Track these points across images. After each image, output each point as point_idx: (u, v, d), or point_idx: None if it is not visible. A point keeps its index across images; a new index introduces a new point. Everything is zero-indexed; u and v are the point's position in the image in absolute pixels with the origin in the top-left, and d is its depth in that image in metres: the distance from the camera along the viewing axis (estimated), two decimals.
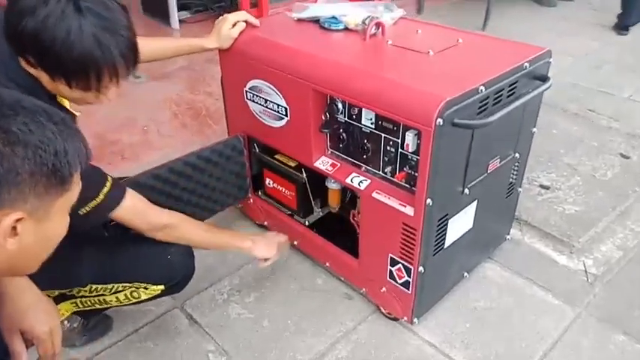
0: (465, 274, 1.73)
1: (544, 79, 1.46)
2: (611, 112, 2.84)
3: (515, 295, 1.74)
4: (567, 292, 1.75)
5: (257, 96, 1.67)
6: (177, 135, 2.63)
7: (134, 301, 1.37)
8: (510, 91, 1.39)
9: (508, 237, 1.91)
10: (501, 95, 1.36)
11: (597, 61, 3.48)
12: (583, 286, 1.78)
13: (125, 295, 1.35)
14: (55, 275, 1.07)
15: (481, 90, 1.27)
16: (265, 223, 1.97)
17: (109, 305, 1.40)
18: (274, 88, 1.58)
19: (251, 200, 1.96)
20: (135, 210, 1.26)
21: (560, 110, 2.85)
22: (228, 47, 1.66)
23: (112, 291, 1.35)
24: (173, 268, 1.37)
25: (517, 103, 1.33)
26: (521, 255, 1.91)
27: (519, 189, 1.78)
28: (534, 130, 1.64)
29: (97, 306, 1.39)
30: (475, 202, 1.53)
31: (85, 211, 1.14)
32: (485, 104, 1.31)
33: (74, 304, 1.37)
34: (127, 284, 1.34)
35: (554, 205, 2.14)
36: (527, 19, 4.22)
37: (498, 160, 1.53)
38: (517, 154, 1.61)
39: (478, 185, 1.48)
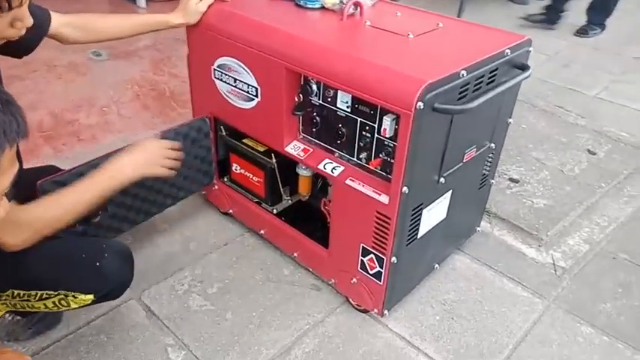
0: (436, 265, 1.70)
1: (524, 67, 1.42)
2: (578, 110, 2.87)
3: (485, 288, 1.72)
4: (536, 284, 1.74)
5: (226, 75, 1.57)
6: (138, 117, 2.50)
7: (64, 309, 1.23)
8: (491, 77, 1.35)
9: (479, 229, 1.89)
10: (482, 81, 1.32)
11: (566, 59, 3.52)
12: (551, 279, 1.77)
13: (54, 302, 1.21)
14: None
15: (462, 74, 1.22)
16: (230, 210, 1.88)
17: (39, 310, 1.25)
18: (245, 67, 1.49)
19: (216, 187, 1.87)
20: None
21: (530, 106, 2.86)
22: (195, 23, 1.56)
23: (38, 298, 1.20)
24: (103, 276, 1.21)
25: (498, 90, 1.29)
26: (490, 247, 1.89)
27: (492, 181, 1.76)
28: (510, 120, 1.62)
29: (28, 309, 1.24)
30: (450, 192, 1.49)
31: None
32: (466, 90, 1.27)
33: (4, 304, 1.23)
34: (52, 292, 1.19)
35: (523, 199, 2.14)
36: (500, 16, 4.23)
37: (475, 149, 1.49)
38: (492, 145, 1.58)
39: (454, 175, 1.44)
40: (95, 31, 1.46)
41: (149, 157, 1.29)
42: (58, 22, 1.33)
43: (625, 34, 4.13)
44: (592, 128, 2.70)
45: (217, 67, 1.59)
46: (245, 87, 1.53)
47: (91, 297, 1.21)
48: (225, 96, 1.62)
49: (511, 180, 2.25)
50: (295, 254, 1.70)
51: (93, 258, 1.20)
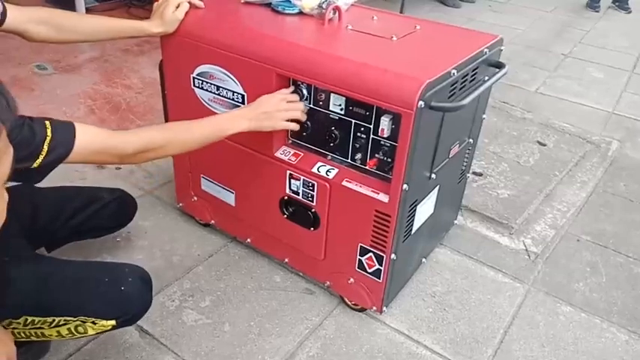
0: (423, 259, 1.75)
1: (499, 65, 1.51)
2: (523, 105, 3.06)
3: (469, 277, 1.79)
4: (514, 270, 1.84)
5: (207, 83, 1.54)
6: None
7: (79, 336, 1.17)
8: (473, 76, 1.42)
9: (456, 222, 1.97)
10: (466, 80, 1.38)
11: (503, 58, 3.74)
12: (527, 264, 1.88)
13: (69, 329, 1.15)
14: None
15: (453, 73, 1.28)
16: (212, 221, 1.84)
17: (47, 339, 1.19)
18: (229, 74, 1.47)
19: (195, 198, 1.82)
20: (93, 147, 1.08)
21: None
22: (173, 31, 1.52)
23: (53, 325, 1.14)
24: (128, 300, 1.18)
25: (484, 87, 1.36)
26: (467, 238, 1.98)
27: (468, 175, 1.84)
28: (484, 116, 1.70)
29: (34, 338, 1.17)
30: (437, 188, 1.55)
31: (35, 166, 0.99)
32: (455, 88, 1.33)
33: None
34: (71, 318, 1.14)
35: (489, 191, 2.25)
36: (437, 19, 4.43)
37: (458, 145, 1.56)
38: (471, 140, 1.66)
39: (441, 170, 1.50)
40: (71, 31, 1.38)
41: (266, 111, 1.36)
42: (18, 17, 1.24)
43: (551, 33, 4.45)
44: (538, 121, 2.89)
45: (197, 75, 1.56)
46: (230, 94, 1.51)
47: (112, 322, 1.16)
48: (206, 104, 1.59)
49: (474, 174, 2.36)
50: (286, 260, 1.69)
51: (117, 281, 1.16)
